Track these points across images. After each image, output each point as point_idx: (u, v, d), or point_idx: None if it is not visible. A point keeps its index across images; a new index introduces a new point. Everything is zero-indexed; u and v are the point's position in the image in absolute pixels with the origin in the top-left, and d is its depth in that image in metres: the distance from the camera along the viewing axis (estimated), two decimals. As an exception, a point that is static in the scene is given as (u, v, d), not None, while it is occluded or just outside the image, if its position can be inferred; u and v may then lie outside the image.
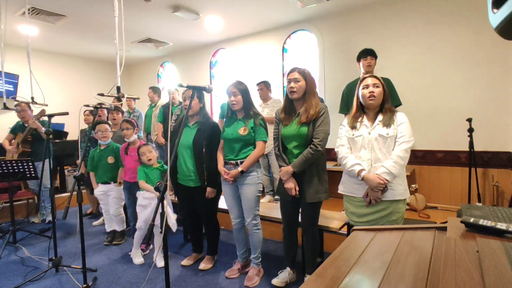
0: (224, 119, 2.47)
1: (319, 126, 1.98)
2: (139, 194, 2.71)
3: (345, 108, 3.14)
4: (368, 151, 1.82)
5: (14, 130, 3.72)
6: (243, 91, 2.27)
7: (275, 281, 2.26)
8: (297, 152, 2.05)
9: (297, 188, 2.04)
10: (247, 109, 2.28)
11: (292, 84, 2.01)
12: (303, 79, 2.01)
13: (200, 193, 2.48)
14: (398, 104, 2.98)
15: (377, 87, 1.82)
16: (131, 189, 3.00)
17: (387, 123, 1.79)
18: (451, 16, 3.51)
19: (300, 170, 2.00)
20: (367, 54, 3.07)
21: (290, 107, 2.11)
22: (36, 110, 3.58)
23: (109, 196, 3.15)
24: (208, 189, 2.45)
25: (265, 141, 2.27)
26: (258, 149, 2.25)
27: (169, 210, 2.65)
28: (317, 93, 2.11)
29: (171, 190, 2.77)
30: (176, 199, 2.77)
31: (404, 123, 1.79)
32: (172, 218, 2.50)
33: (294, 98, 2.05)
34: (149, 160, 2.65)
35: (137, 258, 2.77)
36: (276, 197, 3.76)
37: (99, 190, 3.16)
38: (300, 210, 2.17)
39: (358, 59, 3.15)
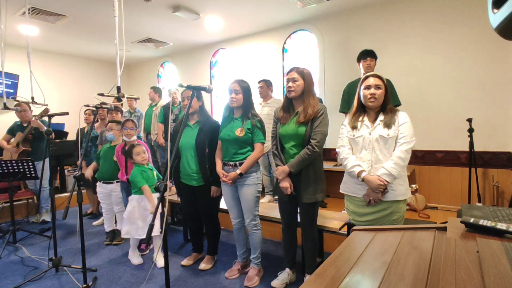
0: (221, 120, 2.46)
1: (317, 127, 1.98)
2: (132, 198, 2.65)
3: (346, 106, 3.16)
4: (369, 152, 1.81)
5: (12, 130, 3.70)
6: (245, 89, 2.26)
7: (274, 283, 2.26)
8: (294, 152, 2.05)
9: (293, 188, 2.04)
10: (246, 108, 2.27)
11: (290, 84, 2.02)
12: (301, 79, 2.01)
13: (202, 192, 2.48)
14: (398, 104, 3.00)
15: (379, 88, 1.80)
16: (130, 190, 2.97)
17: (388, 124, 1.77)
18: (451, 16, 3.51)
19: (296, 170, 2.00)
20: (367, 55, 3.09)
21: (289, 106, 2.12)
22: (35, 110, 3.58)
23: (112, 195, 3.14)
24: (213, 188, 2.45)
25: (263, 143, 2.26)
26: (256, 151, 2.25)
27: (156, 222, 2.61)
28: (315, 94, 2.11)
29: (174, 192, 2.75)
30: (178, 199, 2.77)
31: (406, 123, 1.77)
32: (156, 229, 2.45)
33: (292, 97, 2.05)
34: (143, 160, 2.65)
35: (136, 259, 2.76)
36: (276, 197, 3.76)
37: (101, 190, 3.15)
38: (298, 210, 2.17)
39: (358, 60, 3.17)
